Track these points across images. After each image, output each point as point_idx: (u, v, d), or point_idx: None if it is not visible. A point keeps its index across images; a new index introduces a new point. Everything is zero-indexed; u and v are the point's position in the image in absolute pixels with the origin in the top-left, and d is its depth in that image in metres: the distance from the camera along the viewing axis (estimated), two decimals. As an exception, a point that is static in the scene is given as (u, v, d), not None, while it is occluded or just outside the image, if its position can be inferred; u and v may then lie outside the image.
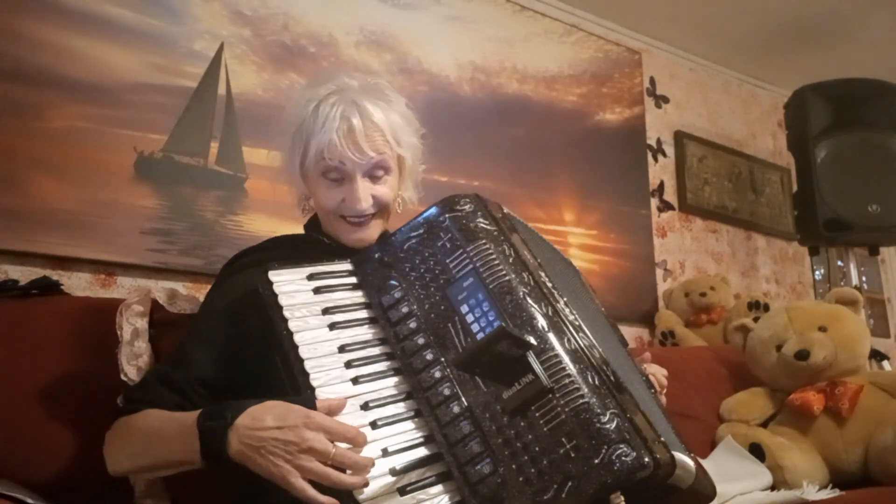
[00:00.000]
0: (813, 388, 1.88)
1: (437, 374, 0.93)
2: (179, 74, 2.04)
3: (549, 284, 1.00)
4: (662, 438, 0.87)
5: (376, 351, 0.99)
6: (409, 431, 0.91)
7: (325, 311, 1.00)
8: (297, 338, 0.96)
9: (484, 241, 1.01)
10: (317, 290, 1.03)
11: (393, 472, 0.87)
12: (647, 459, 0.82)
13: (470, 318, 0.95)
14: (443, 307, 0.98)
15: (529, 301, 0.95)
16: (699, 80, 3.43)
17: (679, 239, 3.13)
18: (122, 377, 1.26)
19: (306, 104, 1.18)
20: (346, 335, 0.99)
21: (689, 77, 3.40)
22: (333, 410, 0.90)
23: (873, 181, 2.70)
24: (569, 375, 0.87)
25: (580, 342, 0.93)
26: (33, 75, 1.81)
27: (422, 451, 0.90)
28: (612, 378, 0.90)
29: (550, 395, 0.86)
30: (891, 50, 3.27)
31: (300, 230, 1.35)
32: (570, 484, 0.81)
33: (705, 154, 3.32)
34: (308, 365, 0.94)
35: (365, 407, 0.92)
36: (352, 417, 0.90)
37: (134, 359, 1.29)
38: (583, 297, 1.21)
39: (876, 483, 1.76)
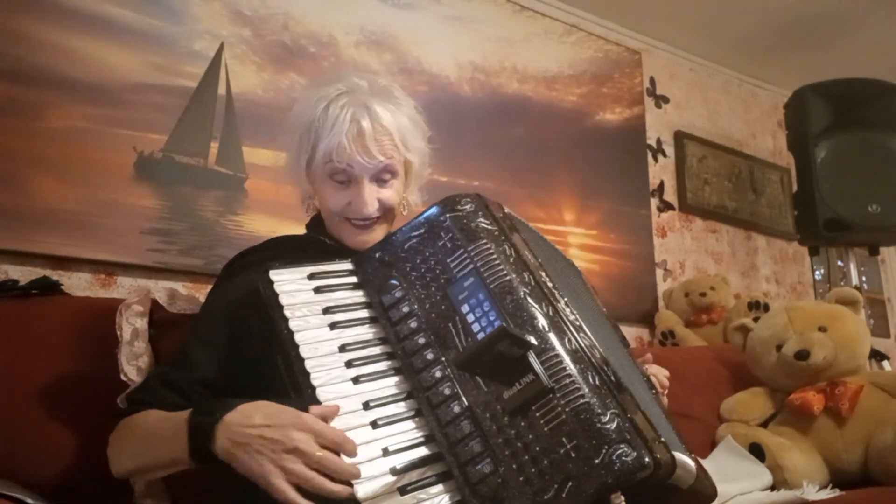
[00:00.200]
0: (813, 388, 1.88)
1: (438, 374, 0.93)
2: (179, 74, 2.04)
3: (550, 284, 1.00)
4: (663, 438, 0.87)
5: (377, 350, 0.98)
6: (409, 431, 0.91)
7: (326, 311, 1.00)
8: (297, 337, 0.96)
9: (485, 241, 1.01)
10: (317, 290, 1.03)
11: (393, 471, 0.87)
12: (647, 459, 0.82)
13: (471, 317, 0.95)
14: (443, 307, 0.98)
15: (530, 301, 0.95)
16: (699, 80, 3.43)
17: (679, 239, 3.13)
18: (122, 377, 1.26)
19: (315, 104, 1.18)
20: (347, 335, 0.99)
21: (689, 77, 3.40)
22: (327, 416, 0.89)
23: (873, 181, 2.70)
24: (569, 375, 0.87)
25: (581, 342, 0.93)
26: (33, 75, 1.81)
27: (422, 451, 0.90)
28: (612, 378, 0.90)
29: (551, 395, 0.86)
30: (891, 50, 3.27)
31: (300, 230, 1.35)
32: (570, 484, 0.81)
33: (705, 154, 3.32)
34: (308, 364, 0.94)
35: (366, 406, 0.92)
36: (352, 417, 0.90)
37: (134, 359, 1.29)
38: (584, 296, 1.21)
39: (876, 483, 1.76)
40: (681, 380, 1.96)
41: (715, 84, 3.50)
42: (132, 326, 1.33)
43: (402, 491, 0.85)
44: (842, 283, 2.97)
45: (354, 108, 1.15)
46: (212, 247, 1.99)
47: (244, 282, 1.13)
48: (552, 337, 0.91)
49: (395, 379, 0.96)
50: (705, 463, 1.12)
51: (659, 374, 1.32)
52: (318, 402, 0.90)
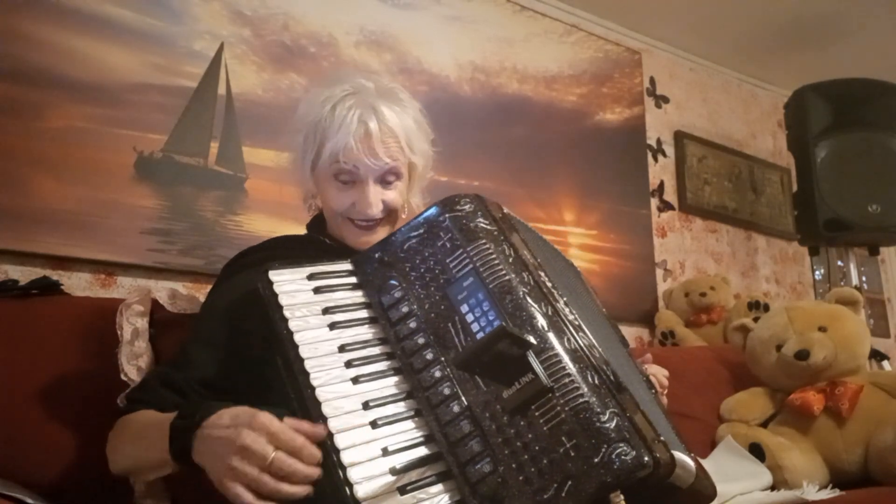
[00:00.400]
0: (813, 388, 1.88)
1: (437, 374, 0.93)
2: (179, 74, 2.04)
3: (549, 284, 1.00)
4: (662, 438, 0.87)
5: (376, 350, 0.98)
6: (409, 431, 0.91)
7: (326, 311, 1.00)
8: (297, 337, 0.96)
9: (484, 241, 1.01)
10: (317, 290, 1.02)
11: (393, 471, 0.86)
12: (646, 458, 0.82)
13: (470, 317, 0.95)
14: (443, 307, 0.98)
15: (529, 301, 0.95)
16: (699, 80, 3.44)
17: (679, 239, 3.13)
18: (122, 377, 1.26)
19: (322, 104, 1.18)
20: (347, 335, 0.99)
21: (689, 77, 3.40)
22: (299, 427, 0.86)
23: (873, 181, 2.70)
24: (569, 375, 0.87)
25: (580, 342, 0.93)
26: (33, 75, 1.81)
27: (422, 451, 0.89)
28: (611, 378, 0.90)
29: (550, 395, 0.86)
30: (891, 50, 3.27)
31: (300, 230, 1.35)
32: (569, 483, 0.81)
33: (705, 154, 3.32)
34: (308, 364, 0.93)
35: (365, 406, 0.91)
36: (352, 417, 0.90)
37: (134, 359, 1.29)
38: (583, 296, 1.21)
39: (876, 483, 1.76)
40: (681, 380, 1.96)
41: (715, 84, 3.50)
42: (132, 326, 1.33)
43: (402, 491, 0.85)
44: (842, 283, 2.97)
45: (362, 110, 1.15)
46: (212, 247, 1.99)
47: (244, 282, 1.13)
48: (551, 336, 0.91)
49: (395, 379, 0.96)
50: (705, 463, 1.12)
51: (658, 373, 1.32)
52: (317, 403, 0.90)
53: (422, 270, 1.02)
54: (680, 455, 0.90)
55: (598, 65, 3.03)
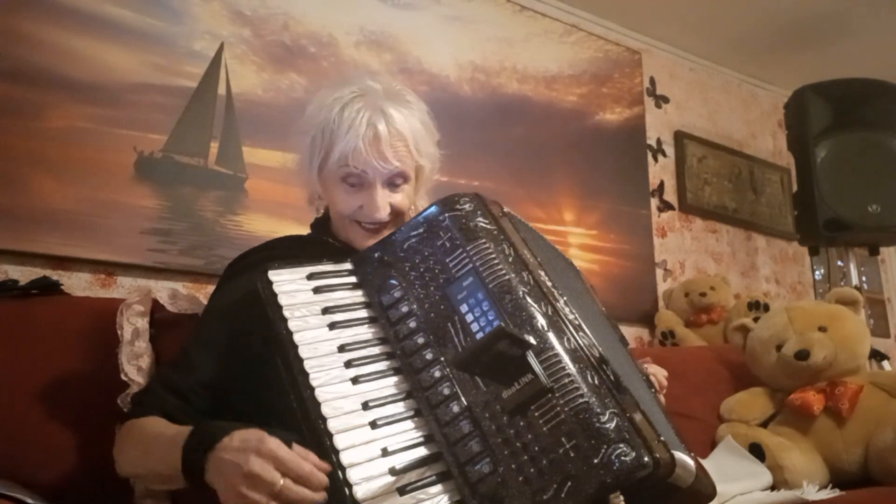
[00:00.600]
0: (813, 388, 1.88)
1: (437, 374, 0.93)
2: (179, 74, 2.04)
3: (549, 284, 1.01)
4: (662, 438, 0.87)
5: (376, 350, 0.98)
6: (408, 431, 0.91)
7: (325, 311, 1.00)
8: (296, 337, 0.96)
9: (484, 241, 1.01)
10: (317, 290, 1.03)
11: (393, 471, 0.86)
12: (646, 459, 0.82)
13: (469, 317, 0.95)
14: (442, 306, 0.98)
15: (529, 300, 0.95)
16: (699, 80, 3.44)
17: (679, 239, 3.13)
18: (123, 377, 1.27)
19: (330, 106, 1.17)
20: (346, 335, 0.99)
21: (689, 77, 3.40)
22: (305, 456, 0.86)
23: (873, 181, 2.70)
24: (568, 375, 0.87)
25: (580, 341, 0.93)
26: (33, 75, 1.81)
27: (422, 451, 0.89)
28: (611, 378, 0.90)
29: (550, 395, 0.86)
30: (891, 50, 3.27)
31: (301, 230, 1.35)
32: (569, 484, 0.81)
33: (705, 154, 3.32)
34: (308, 365, 0.93)
35: (365, 406, 0.91)
36: (352, 417, 0.90)
37: (134, 358, 1.29)
38: (583, 296, 1.21)
39: (876, 483, 1.76)
40: (681, 380, 1.96)
41: (715, 84, 3.50)
42: (133, 326, 1.33)
43: (402, 491, 0.85)
44: (842, 283, 2.97)
45: (371, 112, 1.15)
46: (212, 247, 1.99)
47: (245, 283, 1.13)
48: (551, 336, 0.91)
49: (395, 379, 0.96)
50: (705, 463, 1.12)
51: (658, 373, 1.32)
52: (317, 403, 0.90)
53: (421, 270, 1.02)
54: (680, 455, 0.90)
55: (598, 65, 3.03)
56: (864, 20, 3.10)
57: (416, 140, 1.19)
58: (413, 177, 1.22)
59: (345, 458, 0.86)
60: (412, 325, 0.98)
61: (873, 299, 3.59)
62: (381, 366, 0.97)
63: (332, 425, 0.89)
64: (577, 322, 0.97)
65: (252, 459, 0.83)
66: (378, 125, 1.14)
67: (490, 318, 0.94)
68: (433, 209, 1.07)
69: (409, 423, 0.92)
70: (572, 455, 0.82)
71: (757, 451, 1.80)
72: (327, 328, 0.98)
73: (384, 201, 1.18)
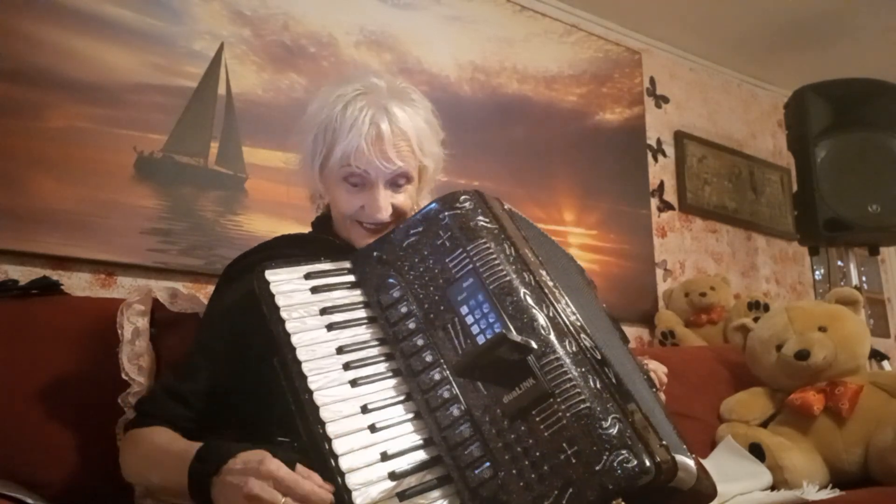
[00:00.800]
0: (813, 388, 1.88)
1: (437, 377, 0.92)
2: (179, 74, 2.04)
3: (551, 283, 0.99)
4: (664, 442, 0.86)
5: (375, 352, 0.97)
6: (408, 434, 0.90)
7: (323, 311, 0.99)
8: (294, 339, 0.94)
9: (484, 241, 0.99)
10: (314, 290, 1.01)
11: (392, 476, 0.86)
12: (648, 464, 0.81)
13: (470, 319, 0.94)
14: (442, 307, 0.96)
15: (530, 302, 0.93)
16: (699, 80, 3.43)
17: (679, 239, 3.12)
18: (124, 376, 1.27)
19: (333, 104, 1.16)
20: (345, 335, 0.97)
21: (689, 77, 3.40)
22: (308, 476, 0.86)
23: (873, 181, 2.70)
24: (570, 380, 0.86)
25: (581, 343, 0.92)
26: (33, 75, 1.81)
27: (421, 455, 0.89)
28: (613, 380, 0.89)
29: (551, 400, 0.85)
30: (891, 50, 3.27)
31: (301, 230, 1.34)
32: (570, 490, 0.80)
33: (705, 154, 3.32)
34: (306, 367, 0.92)
35: (364, 410, 0.90)
36: (350, 421, 0.89)
37: (135, 358, 1.29)
38: (584, 293, 1.20)
39: (876, 483, 1.76)
40: (681, 380, 1.96)
41: (715, 84, 3.49)
42: (133, 325, 1.33)
43: (402, 496, 0.85)
44: (842, 283, 2.97)
45: (374, 111, 1.13)
46: (212, 247, 1.99)
47: (244, 284, 1.11)
48: (553, 339, 0.90)
49: (394, 381, 0.95)
50: (705, 463, 1.12)
51: (658, 369, 1.31)
52: (315, 407, 0.89)
53: (421, 270, 1.00)
54: (682, 458, 0.89)
55: (598, 65, 3.03)
56: (864, 20, 3.10)
57: (419, 139, 1.17)
58: (416, 177, 1.20)
59: (344, 463, 0.86)
60: (411, 325, 0.97)
61: (873, 299, 3.59)
62: (381, 368, 0.96)
63: (330, 429, 0.88)
64: (578, 323, 0.96)
65: (252, 481, 0.83)
66: (381, 124, 1.12)
67: (490, 320, 0.92)
68: (433, 207, 1.05)
69: (409, 427, 0.91)
70: (574, 461, 0.81)
71: (757, 451, 1.80)
72: (325, 329, 0.97)
73: (386, 202, 1.16)
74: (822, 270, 3.42)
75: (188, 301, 1.42)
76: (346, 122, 1.13)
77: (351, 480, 0.84)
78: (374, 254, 1.05)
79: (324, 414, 0.89)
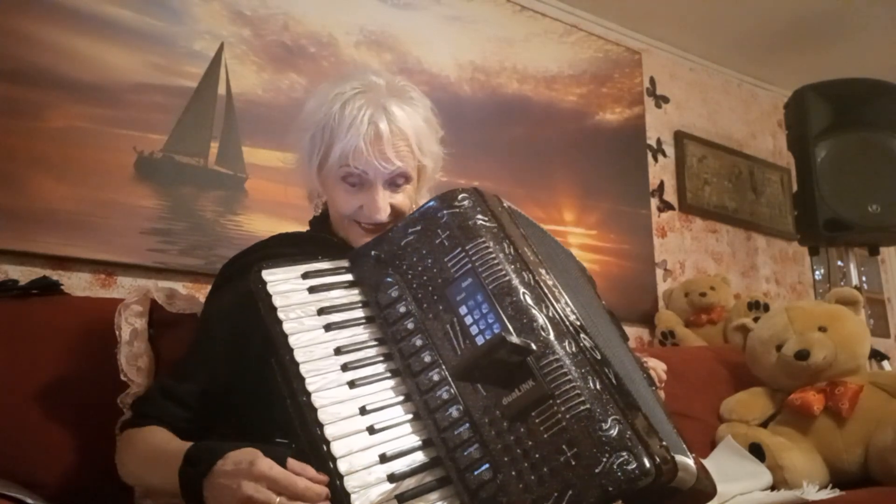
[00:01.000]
0: (813, 388, 1.88)
1: (436, 377, 0.91)
2: (179, 74, 2.04)
3: (550, 283, 0.99)
4: (664, 443, 0.86)
5: (373, 352, 0.96)
6: (407, 436, 0.90)
7: (321, 312, 0.98)
8: (291, 340, 0.94)
9: (483, 240, 0.98)
10: (312, 289, 1.00)
11: (391, 478, 0.85)
12: (648, 466, 0.80)
13: (469, 319, 0.93)
14: (441, 307, 0.95)
15: (529, 302, 0.93)
16: (699, 80, 3.43)
17: (679, 239, 3.12)
18: (122, 377, 1.26)
19: (331, 103, 1.14)
20: (343, 336, 0.97)
21: (689, 77, 3.40)
22: (303, 472, 0.86)
23: (873, 181, 2.70)
24: (570, 381, 0.85)
25: (581, 343, 0.91)
26: (33, 75, 1.81)
27: (420, 456, 0.88)
28: (613, 381, 0.88)
29: (551, 401, 0.84)
30: (891, 50, 3.27)
31: (300, 230, 1.34)
32: (570, 492, 0.79)
33: (705, 154, 3.32)
34: (303, 369, 0.91)
35: (362, 411, 0.90)
36: (349, 423, 0.89)
37: (133, 359, 1.29)
38: (584, 291, 1.19)
39: (876, 483, 1.76)
40: (681, 380, 1.96)
41: (715, 84, 3.49)
42: (131, 326, 1.33)
43: (401, 498, 0.84)
44: (842, 283, 2.97)
45: (372, 110, 1.12)
46: (212, 247, 1.99)
47: (241, 284, 1.09)
48: (552, 340, 0.89)
49: (392, 382, 0.94)
50: (705, 463, 1.12)
51: (657, 367, 1.31)
52: (313, 409, 0.89)
53: (419, 269, 0.99)
54: (682, 458, 0.89)
55: (598, 65, 3.03)
56: (864, 20, 3.10)
57: (418, 138, 1.16)
58: (415, 176, 1.19)
59: (342, 465, 0.85)
60: (410, 325, 0.96)
61: (873, 299, 3.59)
62: (379, 368, 0.95)
63: (328, 432, 0.87)
64: (578, 323, 0.95)
65: (244, 484, 0.83)
66: (380, 123, 1.11)
67: (490, 321, 0.92)
68: (431, 205, 1.03)
69: (408, 428, 0.90)
70: (573, 463, 0.81)
71: (757, 451, 1.80)
72: (323, 329, 0.96)
73: (385, 202, 1.15)
74: (822, 270, 3.41)
75: (186, 301, 1.42)
76: (345, 121, 1.12)
77: (350, 483, 0.84)
78: (372, 252, 1.04)
79: (322, 416, 0.88)
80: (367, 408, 0.90)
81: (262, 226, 2.05)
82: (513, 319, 0.91)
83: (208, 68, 2.09)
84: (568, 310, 0.96)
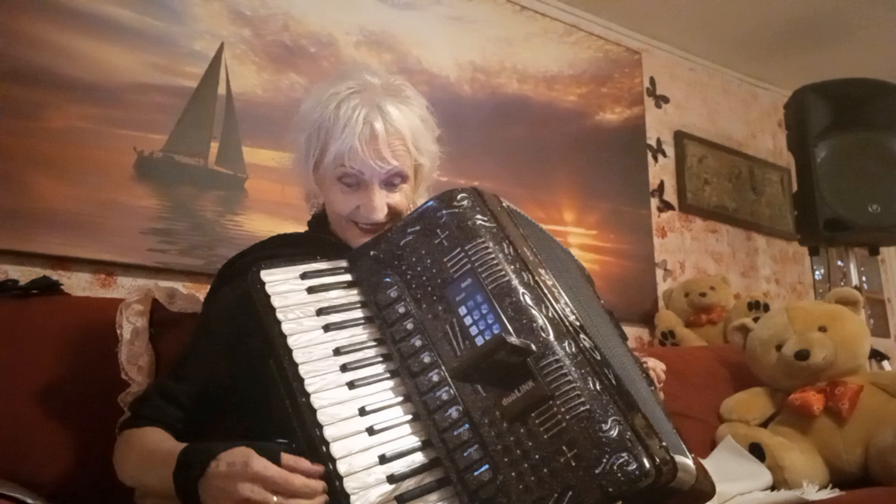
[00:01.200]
0: (813, 388, 1.88)
1: (435, 378, 0.91)
2: (179, 74, 2.04)
3: (550, 283, 0.98)
4: (664, 443, 0.86)
5: (372, 353, 0.96)
6: (406, 437, 0.89)
7: (320, 312, 0.97)
8: (290, 341, 0.93)
9: (482, 240, 0.98)
10: (311, 290, 1.00)
11: (391, 479, 0.85)
12: (649, 467, 0.80)
13: (468, 320, 0.93)
14: (440, 308, 0.95)
15: (529, 302, 0.92)
16: (699, 80, 3.43)
17: (679, 239, 3.12)
18: (123, 376, 1.27)
19: (326, 102, 1.14)
20: (342, 336, 0.96)
21: (689, 77, 3.40)
22: (297, 466, 0.85)
23: (873, 181, 2.70)
24: (570, 382, 0.85)
25: (581, 344, 0.91)
26: (33, 75, 1.81)
27: (420, 457, 0.88)
28: (613, 382, 0.88)
29: (550, 402, 0.84)
30: (891, 50, 3.27)
31: (300, 230, 1.34)
32: (570, 493, 0.79)
33: (705, 154, 3.32)
34: (303, 370, 0.91)
35: (361, 412, 0.90)
36: (348, 424, 0.89)
37: (134, 358, 1.29)
38: (583, 291, 1.19)
39: (876, 483, 1.75)
40: (681, 380, 1.96)
41: (715, 84, 3.49)
42: (132, 325, 1.33)
43: (400, 499, 0.84)
44: (842, 283, 2.97)
45: (367, 109, 1.11)
46: (212, 247, 1.99)
47: (240, 285, 1.10)
48: (552, 340, 0.89)
49: (392, 383, 0.94)
50: (705, 463, 1.12)
51: (657, 367, 1.31)
52: (312, 410, 0.88)
53: (418, 270, 0.99)
54: (681, 458, 0.88)
55: (598, 65, 3.03)
56: (864, 20, 3.10)
57: (414, 138, 1.15)
58: (412, 176, 1.19)
59: (342, 466, 0.85)
60: (409, 326, 0.95)
61: (873, 299, 3.59)
62: (378, 369, 0.94)
63: (328, 433, 0.87)
64: (577, 323, 0.95)
65: (240, 486, 0.83)
66: (375, 123, 1.10)
67: (489, 321, 0.91)
68: (430, 204, 1.03)
69: (407, 429, 0.90)
70: (573, 464, 0.81)
71: (757, 451, 1.80)
72: (322, 330, 0.96)
73: (381, 202, 1.14)
74: (822, 270, 3.41)
75: (187, 301, 1.42)
76: (340, 121, 1.11)
77: (349, 484, 0.84)
78: (371, 253, 1.04)
79: (321, 417, 0.88)
80: (367, 409, 0.90)
81: (262, 226, 2.05)
82: (512, 320, 0.91)
83: (208, 68, 2.09)
84: (567, 310, 0.96)
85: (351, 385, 0.92)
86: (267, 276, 0.99)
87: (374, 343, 0.97)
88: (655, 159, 3.14)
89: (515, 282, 0.95)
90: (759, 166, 3.52)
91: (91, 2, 1.93)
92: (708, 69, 3.47)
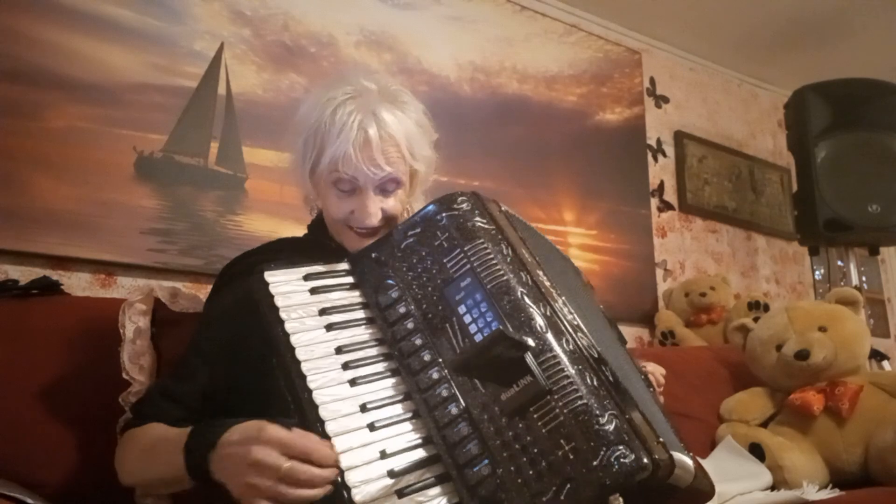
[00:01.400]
0: (813, 388, 1.88)
1: (435, 375, 0.92)
2: (179, 74, 2.04)
3: (548, 283, 1.00)
4: (661, 439, 0.87)
5: (373, 352, 0.98)
6: (407, 433, 0.91)
7: (322, 312, 0.99)
8: (293, 339, 0.95)
9: (482, 241, 1.00)
10: (313, 291, 1.02)
11: (391, 473, 0.86)
12: (646, 461, 0.81)
13: (468, 318, 0.95)
14: (440, 307, 0.97)
15: (527, 301, 0.94)
16: (699, 80, 3.44)
17: (679, 239, 3.13)
18: (125, 375, 1.27)
19: (323, 107, 1.15)
20: (344, 336, 0.98)
21: (689, 77, 3.40)
22: (308, 437, 0.86)
23: (873, 181, 2.70)
24: (567, 377, 0.87)
25: (579, 342, 0.92)
26: (33, 75, 1.81)
27: (420, 453, 0.89)
28: (610, 378, 0.89)
29: (549, 397, 0.86)
30: (891, 50, 3.27)
31: (301, 230, 1.34)
32: (568, 486, 0.81)
33: (705, 154, 3.32)
34: (305, 367, 0.93)
35: (363, 409, 0.91)
36: (350, 420, 0.90)
37: (136, 357, 1.29)
38: (581, 295, 1.21)
39: (876, 483, 1.76)
40: (681, 380, 1.96)
41: (715, 84, 3.50)
42: (135, 325, 1.33)
43: (400, 493, 0.85)
44: (842, 283, 2.97)
45: (362, 115, 1.12)
46: (212, 247, 1.99)
47: (241, 286, 1.11)
48: (550, 337, 0.91)
49: (393, 380, 0.95)
50: (705, 463, 1.12)
51: (656, 371, 1.31)
52: (314, 406, 0.89)
53: (419, 270, 1.01)
54: (679, 455, 0.89)
55: (598, 65, 3.03)
56: (864, 20, 3.10)
57: (409, 144, 1.16)
58: (406, 182, 1.19)
59: (343, 460, 0.86)
60: (409, 325, 0.97)
61: (873, 299, 3.59)
62: (379, 367, 0.96)
63: (329, 428, 0.88)
64: (575, 322, 0.96)
65: (254, 448, 0.83)
66: (369, 129, 1.11)
67: (488, 319, 0.93)
68: (430, 208, 1.05)
69: (408, 425, 0.91)
70: (571, 457, 0.82)
71: (757, 451, 1.80)
72: (324, 329, 0.97)
73: (376, 207, 1.15)
74: (822, 270, 3.42)
75: (189, 300, 1.42)
76: (335, 126, 1.12)
77: (350, 478, 0.85)
78: (373, 255, 1.06)
79: (323, 413, 0.89)
80: (368, 405, 0.91)
81: (262, 226, 2.05)
82: (511, 317, 0.93)
83: (208, 68, 2.09)
84: (566, 310, 0.98)
85: (352, 382, 0.93)
86: (271, 276, 1.01)
87: (375, 342, 0.99)
88: (655, 159, 3.15)
89: (514, 281, 0.96)
90: (759, 166, 3.52)
91: (91, 2, 1.93)
92: (708, 69, 3.47)
